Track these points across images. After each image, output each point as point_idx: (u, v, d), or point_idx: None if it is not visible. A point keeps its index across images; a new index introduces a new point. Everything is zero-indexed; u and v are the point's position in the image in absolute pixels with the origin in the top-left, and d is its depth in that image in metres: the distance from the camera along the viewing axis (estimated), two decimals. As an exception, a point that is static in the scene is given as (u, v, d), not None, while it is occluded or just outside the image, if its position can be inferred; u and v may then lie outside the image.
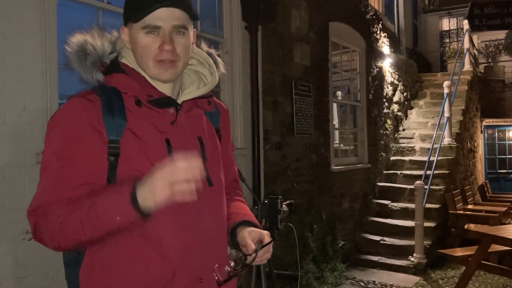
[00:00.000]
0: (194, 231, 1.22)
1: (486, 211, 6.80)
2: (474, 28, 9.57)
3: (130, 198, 1.05)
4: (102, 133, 1.18)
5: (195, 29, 1.31)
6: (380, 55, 7.68)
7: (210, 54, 1.39)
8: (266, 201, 1.97)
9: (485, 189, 9.17)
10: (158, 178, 1.05)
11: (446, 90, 7.50)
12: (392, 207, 6.70)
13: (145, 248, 1.18)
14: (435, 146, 6.96)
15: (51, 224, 1.12)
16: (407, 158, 7.63)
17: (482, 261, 4.50)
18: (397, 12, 9.95)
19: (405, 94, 8.77)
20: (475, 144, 9.93)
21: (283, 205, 1.98)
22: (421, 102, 9.02)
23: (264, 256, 1.27)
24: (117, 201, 1.07)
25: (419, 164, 7.22)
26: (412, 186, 6.07)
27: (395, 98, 8.27)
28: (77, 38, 1.24)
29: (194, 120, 1.31)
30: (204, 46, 1.40)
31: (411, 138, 8.22)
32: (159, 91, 1.25)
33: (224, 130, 1.44)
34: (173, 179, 1.04)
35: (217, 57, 1.40)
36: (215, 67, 1.37)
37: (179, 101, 1.29)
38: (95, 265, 1.21)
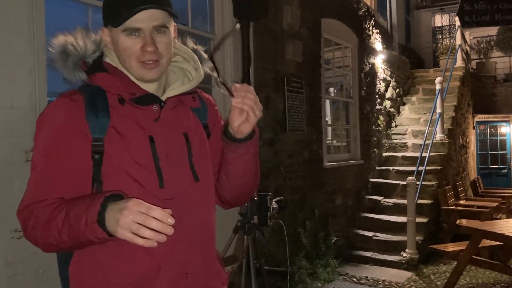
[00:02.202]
0: (179, 226, 1.20)
1: (478, 207, 6.83)
2: (464, 24, 9.56)
3: (97, 216, 1.04)
4: (85, 131, 1.19)
5: (175, 24, 1.30)
6: (372, 52, 7.69)
7: (195, 50, 1.38)
8: (255, 198, 1.97)
9: (477, 184, 9.23)
10: (127, 213, 1.01)
11: (438, 86, 7.53)
12: (385, 203, 6.73)
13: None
14: (427, 142, 6.99)
15: (37, 224, 1.14)
16: (399, 154, 7.66)
17: (474, 256, 4.53)
18: (390, 8, 9.96)
19: (397, 90, 8.79)
20: (467, 140, 9.98)
21: (273, 202, 1.98)
22: (414, 98, 9.04)
23: (246, 96, 1.21)
24: (86, 216, 1.06)
25: (412, 160, 7.25)
26: (404, 182, 6.08)
27: (388, 94, 8.29)
28: (58, 40, 1.26)
29: (179, 117, 1.31)
30: (190, 42, 1.39)
31: (403, 134, 8.25)
32: (142, 88, 1.25)
33: (213, 125, 1.42)
34: (141, 221, 1.00)
35: (203, 53, 1.39)
36: (199, 63, 1.36)
37: (164, 97, 1.29)
38: (83, 261, 1.22)
